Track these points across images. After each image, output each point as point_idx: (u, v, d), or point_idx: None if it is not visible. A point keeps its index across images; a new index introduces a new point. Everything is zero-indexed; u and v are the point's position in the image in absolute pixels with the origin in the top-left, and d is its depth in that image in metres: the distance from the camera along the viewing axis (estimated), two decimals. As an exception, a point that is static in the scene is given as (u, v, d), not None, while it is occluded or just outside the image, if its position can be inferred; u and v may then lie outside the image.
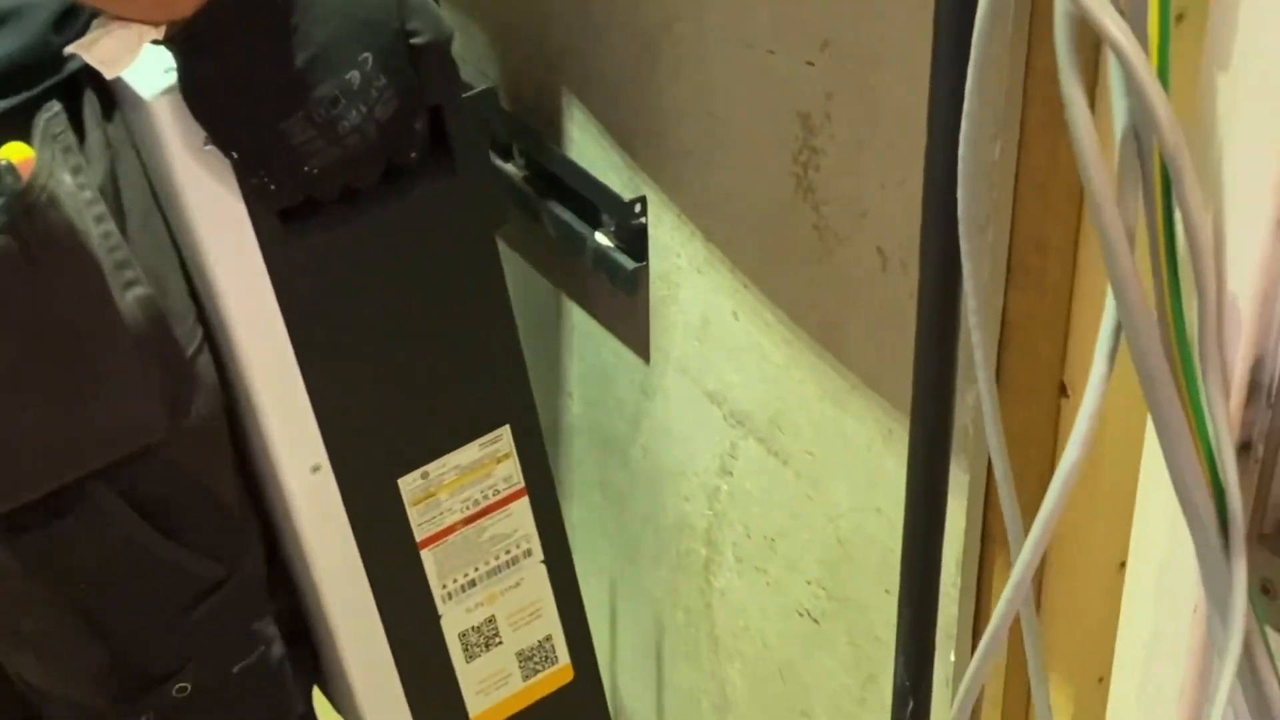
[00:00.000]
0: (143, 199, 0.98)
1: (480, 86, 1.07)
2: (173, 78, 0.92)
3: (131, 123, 0.97)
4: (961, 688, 0.71)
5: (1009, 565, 0.95)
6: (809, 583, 1.11)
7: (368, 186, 0.99)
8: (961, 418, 0.92)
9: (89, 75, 0.93)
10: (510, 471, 1.16)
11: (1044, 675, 0.77)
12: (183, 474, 1.03)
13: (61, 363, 0.94)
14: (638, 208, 1.14)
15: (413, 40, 0.96)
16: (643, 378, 1.23)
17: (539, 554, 1.20)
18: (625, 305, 1.21)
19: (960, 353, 0.90)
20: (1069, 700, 0.95)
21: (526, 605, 1.22)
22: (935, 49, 0.68)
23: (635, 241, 1.16)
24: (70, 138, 0.92)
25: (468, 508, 1.15)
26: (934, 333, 0.74)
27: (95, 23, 0.88)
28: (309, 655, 1.21)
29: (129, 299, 0.95)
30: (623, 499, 1.34)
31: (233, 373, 1.04)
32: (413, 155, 0.99)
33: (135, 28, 0.87)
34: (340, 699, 1.24)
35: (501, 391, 1.13)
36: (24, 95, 0.91)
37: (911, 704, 0.82)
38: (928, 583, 0.80)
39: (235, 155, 0.94)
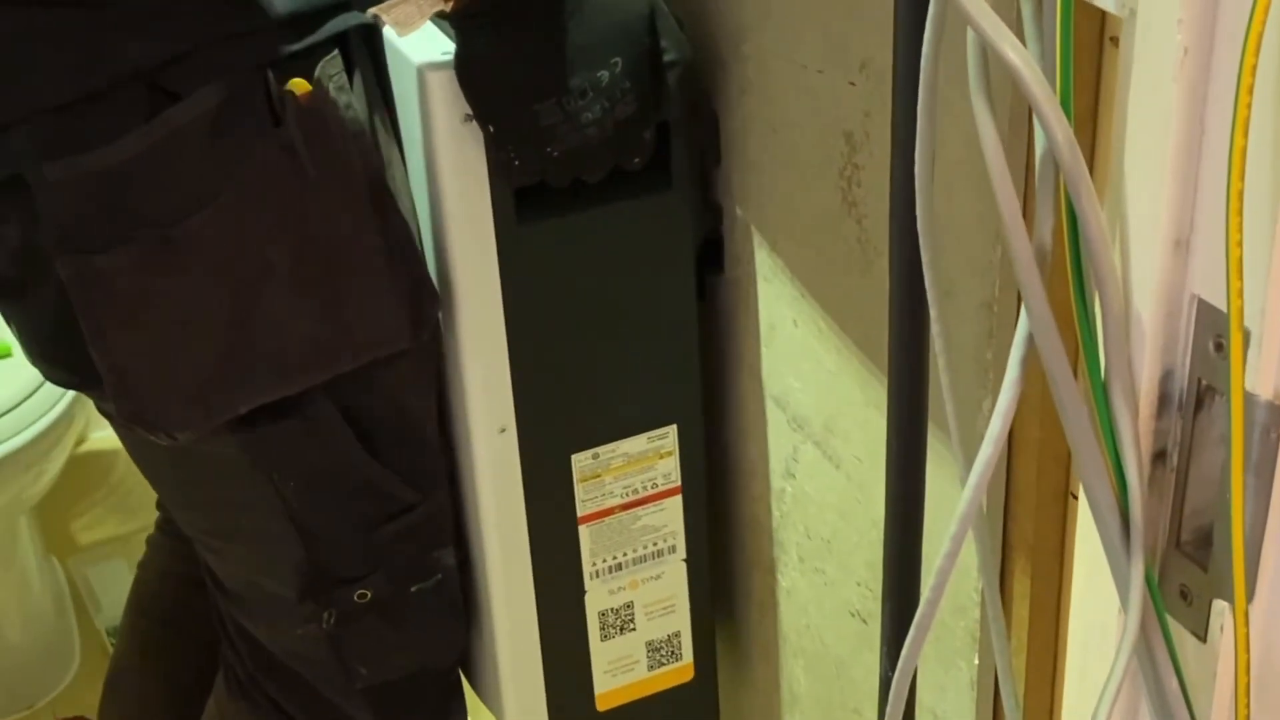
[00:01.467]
0: (387, 150, 1.10)
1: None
2: (446, 56, 1.05)
3: (400, 90, 1.10)
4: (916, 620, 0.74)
5: (1029, 572, 0.99)
6: (858, 584, 1.15)
7: (594, 183, 1.10)
8: (979, 426, 0.95)
9: (359, 37, 1.06)
10: (671, 469, 1.25)
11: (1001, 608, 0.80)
12: (396, 397, 1.15)
13: (326, 270, 1.06)
14: (712, 155, 1.19)
15: (661, 58, 1.07)
16: (721, 380, 1.28)
17: (682, 552, 1.29)
18: (704, 309, 1.26)
19: (974, 362, 0.94)
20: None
21: (663, 598, 1.30)
22: (894, 78, 0.72)
23: (713, 250, 1.22)
24: (343, 79, 1.05)
25: (627, 495, 1.24)
26: (906, 335, 0.78)
27: None
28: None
29: (386, 219, 1.07)
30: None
31: (444, 329, 1.15)
32: (637, 160, 1.10)
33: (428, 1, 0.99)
34: (481, 659, 1.32)
35: (675, 393, 1.22)
36: (309, 40, 1.03)
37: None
38: (907, 581, 0.83)
39: (491, 129, 1.05)
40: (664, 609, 1.31)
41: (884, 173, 0.98)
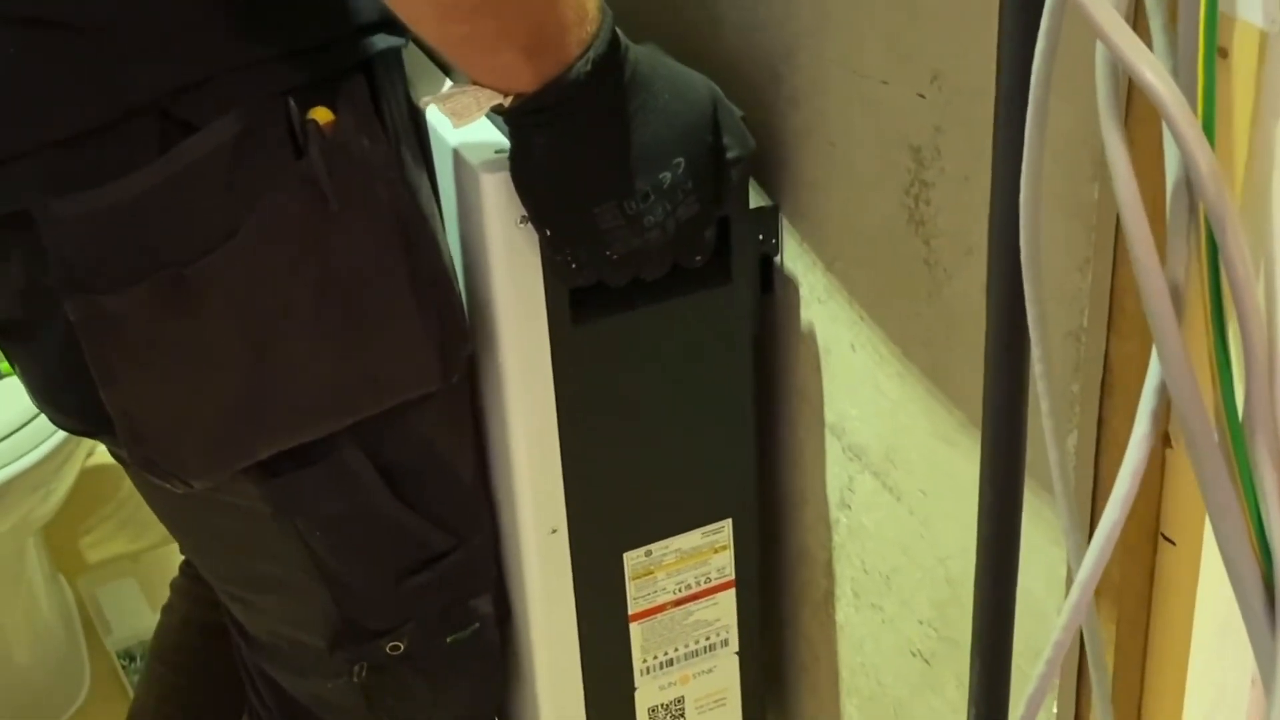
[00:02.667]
0: (416, 179, 1.04)
1: (763, 204, 1.12)
2: (500, 155, 1.00)
3: (446, 182, 1.07)
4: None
5: (1114, 617, 0.92)
6: (920, 622, 1.09)
7: (651, 281, 1.04)
8: (1064, 464, 0.89)
9: (384, 63, 1.00)
10: (725, 563, 1.20)
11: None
12: (428, 440, 1.09)
13: (350, 308, 1.00)
14: (762, 235, 1.13)
15: (725, 155, 1.01)
16: (771, 405, 1.22)
17: (734, 645, 1.24)
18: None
19: (1060, 399, 0.87)
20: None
21: (714, 692, 1.26)
22: (997, 92, 0.66)
23: (764, 268, 1.15)
24: (369, 108, 0.98)
25: (680, 590, 1.20)
26: (1003, 384, 0.72)
27: (451, 86, 0.96)
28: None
29: (415, 255, 1.01)
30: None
31: (494, 430, 1.11)
32: (698, 259, 1.04)
33: (486, 90, 0.93)
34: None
35: (730, 487, 1.18)
36: (332, 67, 0.97)
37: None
38: (999, 635, 0.77)
39: (548, 232, 1.00)
40: (715, 702, 1.26)
41: (957, 191, 0.92)
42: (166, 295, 0.96)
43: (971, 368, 0.96)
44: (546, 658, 1.19)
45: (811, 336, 1.13)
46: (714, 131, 1.00)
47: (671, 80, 0.98)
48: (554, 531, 1.13)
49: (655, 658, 1.22)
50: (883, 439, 1.07)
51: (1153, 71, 0.54)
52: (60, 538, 2.20)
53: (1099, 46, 0.56)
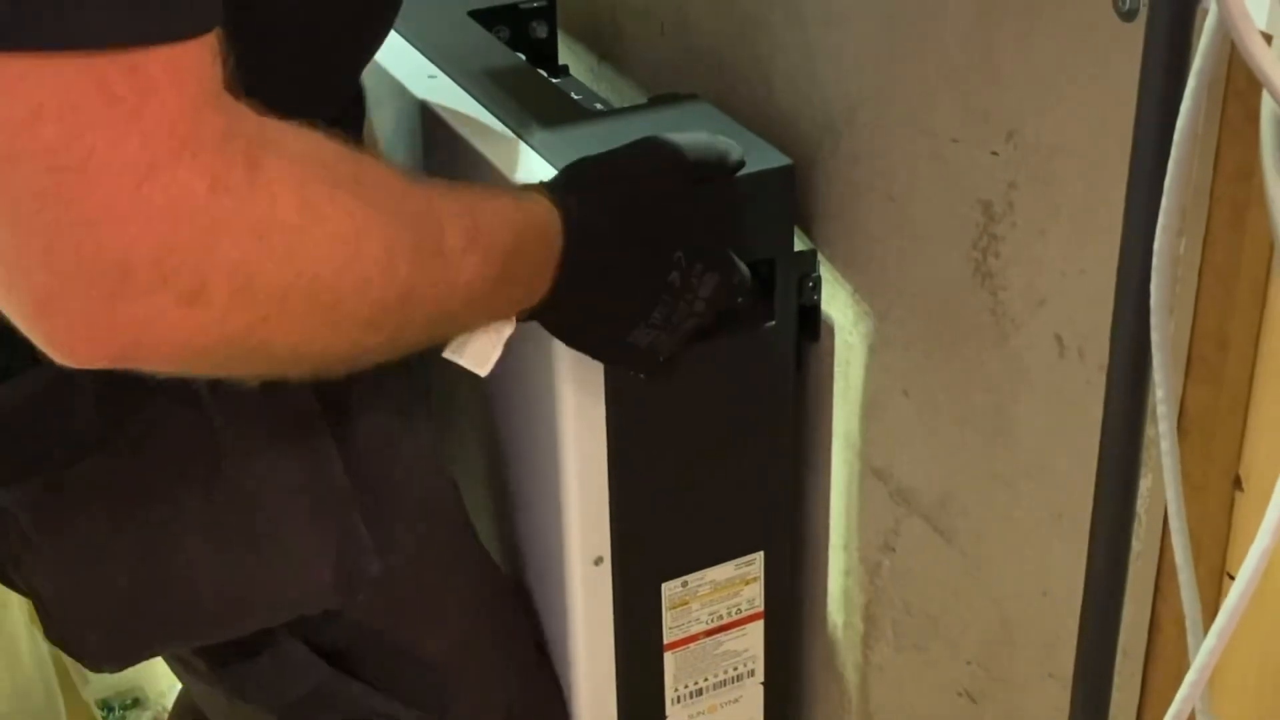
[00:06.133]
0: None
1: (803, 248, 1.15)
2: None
3: None
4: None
5: (1176, 657, 0.96)
6: (969, 662, 1.12)
7: None
8: (1136, 507, 0.93)
9: None
10: (755, 594, 1.24)
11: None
12: (372, 630, 1.08)
13: (241, 515, 0.98)
14: (810, 284, 1.16)
15: (708, 200, 1.01)
16: (811, 450, 1.25)
17: (761, 675, 1.27)
18: (797, 379, 1.23)
19: (1167, 449, 0.91)
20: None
21: None
22: (1135, 146, 0.70)
23: (807, 318, 1.19)
24: None
25: (712, 620, 1.23)
26: (1121, 424, 0.75)
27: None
28: None
29: (312, 468, 0.99)
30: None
31: (542, 462, 1.14)
32: (740, 300, 1.04)
33: (495, 325, 0.92)
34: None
35: (766, 520, 1.21)
36: None
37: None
38: (1100, 684, 0.80)
39: (596, 360, 1.03)
40: None
41: (1030, 244, 0.96)
42: (47, 496, 0.96)
43: (1038, 412, 0.99)
44: (586, 688, 1.21)
45: (860, 382, 1.16)
46: (689, 200, 1.00)
47: (628, 189, 0.97)
48: (598, 561, 1.16)
49: (685, 687, 1.25)
50: (936, 483, 1.10)
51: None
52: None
53: (1265, 102, 0.60)
